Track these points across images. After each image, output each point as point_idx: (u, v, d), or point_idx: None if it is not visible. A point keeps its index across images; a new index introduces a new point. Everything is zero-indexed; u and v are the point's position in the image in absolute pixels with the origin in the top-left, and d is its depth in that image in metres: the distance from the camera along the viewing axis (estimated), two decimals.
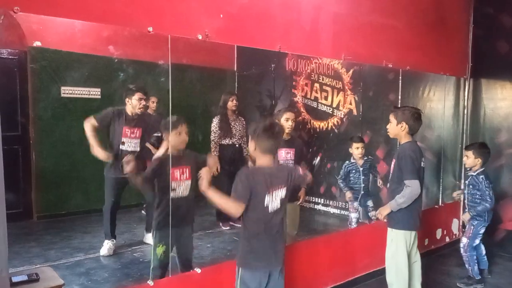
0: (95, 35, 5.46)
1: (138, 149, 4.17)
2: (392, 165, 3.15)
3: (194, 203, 3.09)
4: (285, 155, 3.95)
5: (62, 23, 5.17)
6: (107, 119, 4.09)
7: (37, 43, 5.34)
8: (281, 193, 2.43)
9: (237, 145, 5.07)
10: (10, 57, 5.34)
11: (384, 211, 3.11)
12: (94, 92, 5.71)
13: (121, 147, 4.12)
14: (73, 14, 2.24)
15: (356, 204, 4.36)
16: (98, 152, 3.88)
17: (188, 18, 2.47)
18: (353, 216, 4.39)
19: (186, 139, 2.93)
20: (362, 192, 4.34)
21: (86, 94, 5.68)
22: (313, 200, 6.11)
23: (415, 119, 3.01)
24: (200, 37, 2.49)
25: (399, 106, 3.20)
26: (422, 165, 3.06)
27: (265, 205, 2.36)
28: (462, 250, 3.95)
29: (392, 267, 3.14)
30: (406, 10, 3.92)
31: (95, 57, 5.57)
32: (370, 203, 4.39)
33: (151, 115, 4.60)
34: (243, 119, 5.15)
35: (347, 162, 4.47)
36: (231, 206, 2.31)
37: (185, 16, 2.46)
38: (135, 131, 4.14)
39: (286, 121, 3.80)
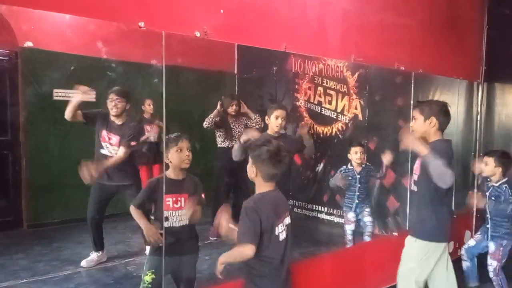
0: (87, 35, 5.22)
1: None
2: (417, 166, 2.79)
3: (195, 231, 2.82)
4: None
5: (53, 23, 4.95)
6: (93, 114, 3.93)
7: (29, 43, 5.12)
8: (287, 220, 2.25)
9: None
10: (0, 57, 5.11)
11: (417, 146, 2.53)
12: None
13: (101, 151, 3.92)
14: (58, 7, 2.00)
15: (351, 215, 4.08)
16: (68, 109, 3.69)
17: (185, 13, 2.23)
18: (348, 228, 4.12)
19: (189, 156, 2.65)
20: (357, 201, 4.06)
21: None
22: (316, 209, 5.85)
23: (444, 113, 2.71)
24: (198, 34, 2.24)
25: (422, 100, 2.87)
26: None
27: (277, 236, 2.14)
28: (492, 274, 3.60)
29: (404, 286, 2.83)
30: (418, 9, 3.70)
31: (89, 59, 5.34)
32: (367, 209, 4.10)
33: (129, 124, 4.06)
34: (244, 118, 4.91)
35: (343, 167, 4.20)
36: (242, 251, 2.04)
37: (181, 10, 2.21)
38: (112, 137, 3.91)
39: (275, 119, 3.53)
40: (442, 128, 2.73)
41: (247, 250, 2.02)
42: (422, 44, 3.75)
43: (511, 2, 4.37)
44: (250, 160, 2.19)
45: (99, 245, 4.14)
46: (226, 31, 2.43)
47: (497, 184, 3.57)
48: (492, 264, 3.60)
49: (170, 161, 2.66)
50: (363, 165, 4.12)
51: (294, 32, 2.75)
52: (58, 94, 5.29)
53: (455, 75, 4.38)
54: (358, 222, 4.12)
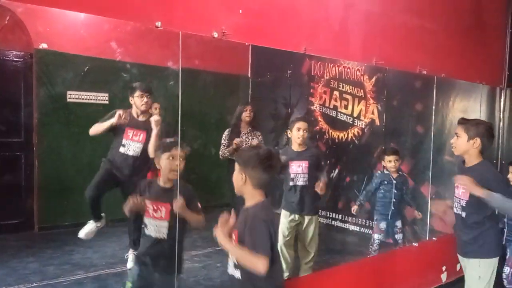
0: (102, 37, 5.19)
1: (139, 154, 3.80)
2: (464, 193, 2.70)
3: (177, 248, 2.52)
4: (296, 168, 3.61)
5: (68, 25, 4.93)
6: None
7: (43, 45, 5.10)
8: None
9: None
10: (15, 59, 5.12)
11: (475, 189, 2.51)
12: (102, 97, 5.45)
13: (120, 149, 3.79)
14: (73, 6, 1.94)
15: (382, 224, 3.95)
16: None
17: (203, 13, 2.15)
18: (376, 237, 3.99)
19: (180, 166, 2.47)
20: (393, 209, 3.92)
21: (94, 99, 5.42)
22: (331, 216, 5.72)
23: (490, 135, 2.65)
24: (215, 34, 2.17)
25: (468, 118, 2.79)
26: None
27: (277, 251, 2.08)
28: (505, 282, 3.52)
29: None
30: (442, 12, 3.60)
31: (102, 61, 5.31)
32: (398, 223, 3.98)
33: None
34: (259, 134, 4.63)
35: (379, 171, 4.08)
36: (257, 262, 1.90)
37: (199, 10, 2.14)
38: (139, 134, 3.81)
39: (297, 131, 3.53)
40: (484, 150, 2.67)
41: (260, 263, 1.89)
42: (445, 48, 3.64)
43: None
44: (237, 167, 2.06)
45: (97, 215, 3.95)
46: (245, 32, 2.35)
47: None
48: (505, 271, 3.52)
49: (160, 167, 2.54)
50: (399, 173, 4.02)
51: (315, 33, 2.67)
52: (72, 96, 5.27)
53: (477, 80, 4.26)
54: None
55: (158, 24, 1.99)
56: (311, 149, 3.86)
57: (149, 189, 2.54)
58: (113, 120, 3.66)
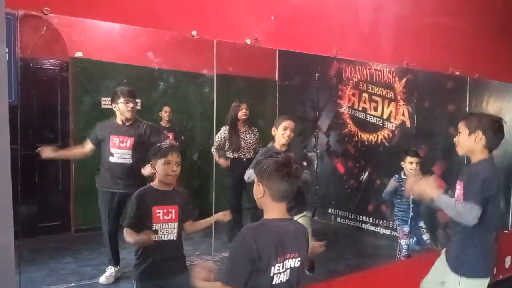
0: (136, 44, 5.32)
1: (130, 161, 3.70)
2: (457, 192, 2.50)
3: (182, 249, 2.67)
4: None
5: (103, 33, 5.08)
6: (100, 133, 3.76)
7: (79, 54, 5.27)
8: (293, 263, 1.81)
9: (244, 159, 4.51)
10: (52, 67, 5.32)
11: (427, 193, 2.32)
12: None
13: (110, 159, 3.71)
14: (111, 17, 2.06)
15: (406, 228, 3.90)
16: None
17: (236, 21, 2.21)
18: (404, 242, 3.94)
19: (176, 172, 2.50)
20: (412, 214, 3.89)
21: None
22: (361, 219, 5.68)
23: (496, 129, 2.34)
24: (248, 41, 2.23)
25: (473, 112, 2.57)
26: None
27: (271, 277, 1.74)
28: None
29: None
30: (473, 12, 3.54)
31: (136, 68, 5.45)
32: (422, 223, 3.95)
33: (146, 124, 3.89)
34: (256, 130, 4.65)
35: (396, 176, 4.04)
36: None
37: (232, 18, 2.20)
38: (125, 140, 3.68)
39: (284, 130, 3.33)
40: (490, 146, 2.37)
41: None
42: (478, 48, 3.59)
43: None
44: (255, 178, 1.83)
45: (116, 259, 3.98)
46: (276, 38, 2.40)
47: None
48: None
49: (156, 171, 2.57)
50: (418, 177, 3.94)
51: (345, 37, 2.69)
52: (106, 102, 5.44)
53: (511, 80, 4.14)
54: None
55: (194, 33, 2.06)
56: (292, 147, 3.60)
57: (151, 196, 2.55)
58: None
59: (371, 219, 5.58)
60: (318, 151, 5.86)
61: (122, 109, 3.62)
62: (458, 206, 2.24)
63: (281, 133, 3.34)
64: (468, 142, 2.37)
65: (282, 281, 1.76)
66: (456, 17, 3.37)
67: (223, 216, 2.74)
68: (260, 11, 2.29)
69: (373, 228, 5.54)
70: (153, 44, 5.09)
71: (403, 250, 3.92)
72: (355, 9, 2.73)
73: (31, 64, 5.14)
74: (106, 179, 3.83)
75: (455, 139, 2.51)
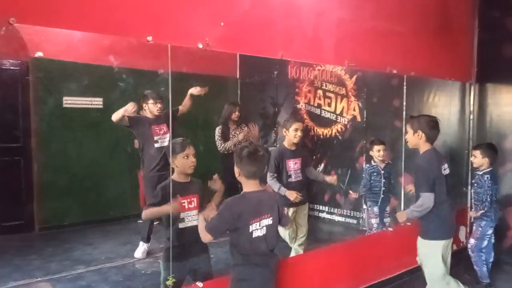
0: (96, 45, 5.44)
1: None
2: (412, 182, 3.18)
3: None
4: (293, 165, 3.94)
5: (63, 34, 5.14)
6: (137, 119, 4.29)
7: (39, 54, 5.32)
8: (267, 221, 2.41)
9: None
10: (12, 68, 5.33)
11: (401, 217, 3.11)
12: (97, 102, 5.69)
13: (155, 145, 4.32)
14: (71, 25, 2.20)
15: (376, 209, 4.29)
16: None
17: (188, 27, 2.42)
18: (374, 221, 4.32)
19: (194, 162, 2.79)
20: (382, 196, 4.27)
21: (89, 104, 5.65)
22: (318, 208, 6.03)
23: (431, 127, 2.99)
24: (200, 45, 2.44)
25: (415, 115, 3.15)
26: (443, 172, 3.01)
27: (250, 233, 2.34)
28: (469, 251, 3.93)
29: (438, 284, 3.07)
30: (411, 15, 3.86)
31: (96, 67, 5.55)
32: (387, 208, 4.35)
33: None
34: (244, 126, 5.09)
35: (367, 165, 4.43)
36: (201, 232, 2.39)
37: (185, 24, 2.41)
38: (162, 127, 4.36)
39: (295, 131, 3.82)
40: (430, 140, 3.00)
41: (204, 236, 2.37)
42: (415, 48, 3.91)
43: (501, 6, 4.50)
44: (235, 163, 2.41)
45: (150, 237, 4.55)
46: (227, 42, 2.63)
47: (481, 173, 3.85)
48: (471, 242, 3.92)
49: (177, 166, 2.79)
50: (386, 162, 4.33)
51: (290, 41, 2.94)
52: (68, 101, 5.51)
53: (447, 77, 4.53)
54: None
55: (150, 38, 2.26)
56: (301, 147, 4.15)
57: (176, 188, 2.72)
58: (127, 107, 4.06)
59: (327, 207, 5.93)
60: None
61: (151, 108, 4.34)
62: (418, 205, 2.95)
63: (293, 134, 3.81)
64: (413, 139, 3.04)
65: (259, 235, 2.35)
66: (393, 20, 3.65)
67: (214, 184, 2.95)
68: (211, 18, 2.50)
69: (329, 216, 5.90)
70: (113, 47, 5.26)
71: (373, 228, 4.30)
72: (299, 14, 2.98)
73: None
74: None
75: (405, 137, 3.14)
